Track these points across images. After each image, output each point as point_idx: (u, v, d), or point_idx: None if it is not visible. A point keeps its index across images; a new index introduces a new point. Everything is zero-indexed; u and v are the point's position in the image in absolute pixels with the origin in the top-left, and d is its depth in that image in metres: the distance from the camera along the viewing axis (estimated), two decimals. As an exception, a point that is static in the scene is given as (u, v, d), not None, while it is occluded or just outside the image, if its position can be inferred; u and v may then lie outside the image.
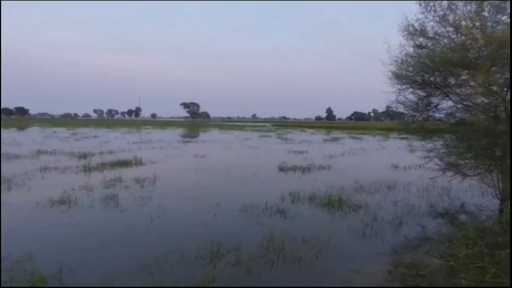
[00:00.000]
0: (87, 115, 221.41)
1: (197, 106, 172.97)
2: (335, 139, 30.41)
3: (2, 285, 3.73)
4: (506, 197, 6.32)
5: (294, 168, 11.96)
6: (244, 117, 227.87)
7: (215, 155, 16.96)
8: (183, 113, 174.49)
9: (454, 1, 6.71)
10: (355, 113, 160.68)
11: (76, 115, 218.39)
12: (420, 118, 7.72)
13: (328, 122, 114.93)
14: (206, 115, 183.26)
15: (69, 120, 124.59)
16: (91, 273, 4.03)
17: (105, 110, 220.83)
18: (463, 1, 6.68)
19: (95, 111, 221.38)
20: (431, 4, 6.77)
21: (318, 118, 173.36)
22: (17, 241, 4.96)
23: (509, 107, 6.43)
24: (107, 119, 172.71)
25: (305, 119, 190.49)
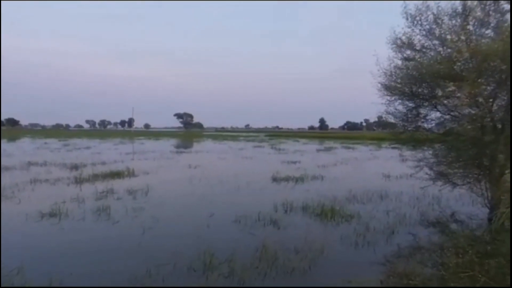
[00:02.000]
0: (79, 126, 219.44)
1: (191, 116, 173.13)
2: (328, 149, 30.61)
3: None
4: (495, 206, 6.43)
5: (287, 178, 11.99)
6: (237, 127, 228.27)
7: (209, 165, 16.93)
8: (177, 123, 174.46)
9: (439, 15, 6.94)
10: (347, 122, 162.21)
11: (68, 125, 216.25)
12: (410, 128, 7.87)
13: (321, 132, 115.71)
14: (199, 125, 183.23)
15: (60, 131, 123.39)
16: (82, 286, 3.99)
17: (97, 120, 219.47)
18: (448, 15, 6.93)
19: (87, 121, 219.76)
20: (418, 18, 6.98)
21: (311, 128, 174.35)
22: (7, 254, 4.88)
23: (495, 118, 6.61)
24: (100, 130, 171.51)
25: (298, 129, 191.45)
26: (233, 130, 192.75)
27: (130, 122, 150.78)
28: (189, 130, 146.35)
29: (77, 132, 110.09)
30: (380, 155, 23.78)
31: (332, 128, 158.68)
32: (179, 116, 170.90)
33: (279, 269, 4.47)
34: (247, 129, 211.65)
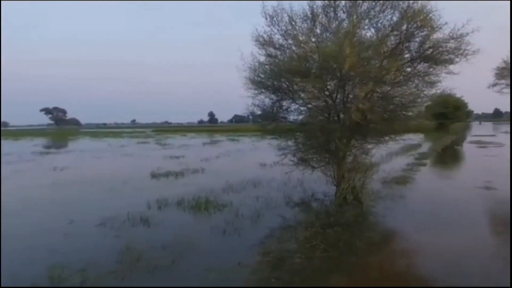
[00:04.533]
0: None
1: (63, 111, 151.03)
2: (214, 142, 31.13)
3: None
4: (339, 183, 7.65)
5: (167, 174, 11.69)
6: (122, 123, 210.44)
7: (80, 166, 15.12)
8: (46, 120, 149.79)
9: (293, 18, 7.73)
10: (235, 116, 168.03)
11: None
12: (276, 120, 8.63)
13: (210, 126, 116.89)
14: (75, 122, 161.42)
15: None
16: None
17: None
18: (300, 18, 7.78)
19: None
20: (275, 18, 7.63)
21: (201, 122, 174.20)
22: None
23: (337, 109, 7.80)
24: None
25: (188, 123, 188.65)
26: (117, 126, 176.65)
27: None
28: (62, 127, 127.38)
29: None
30: (260, 146, 25.37)
31: (221, 122, 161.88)
32: (47, 111, 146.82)
33: (140, 269, 4.31)
34: (134, 124, 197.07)
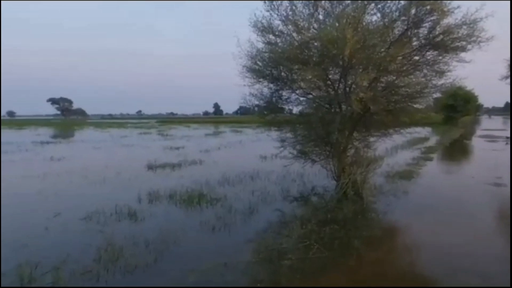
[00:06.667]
0: None
1: (69, 102, 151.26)
2: (217, 134, 30.78)
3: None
4: (339, 178, 7.24)
5: (164, 165, 11.39)
6: (128, 114, 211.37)
7: (77, 156, 14.90)
8: (52, 110, 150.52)
9: (294, 3, 7.24)
10: (241, 107, 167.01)
11: None
12: (274, 111, 8.22)
13: (215, 117, 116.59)
14: (81, 112, 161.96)
15: None
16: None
17: None
18: (302, 3, 7.28)
19: None
20: (274, 3, 7.15)
21: (206, 113, 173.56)
22: None
23: (339, 99, 7.35)
24: None
25: (194, 114, 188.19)
26: (123, 117, 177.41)
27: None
28: (67, 118, 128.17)
29: None
30: (264, 138, 24.96)
31: (226, 113, 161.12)
32: (54, 101, 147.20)
33: (119, 268, 4.00)
34: (139, 115, 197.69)
